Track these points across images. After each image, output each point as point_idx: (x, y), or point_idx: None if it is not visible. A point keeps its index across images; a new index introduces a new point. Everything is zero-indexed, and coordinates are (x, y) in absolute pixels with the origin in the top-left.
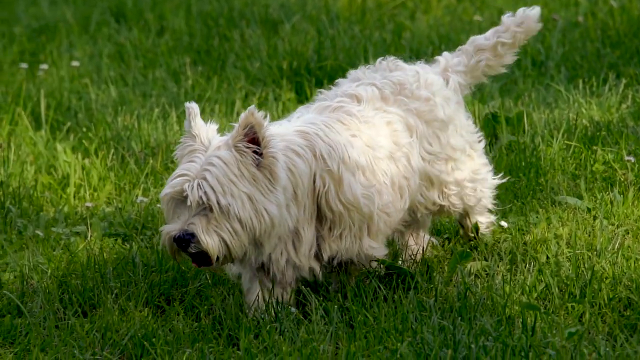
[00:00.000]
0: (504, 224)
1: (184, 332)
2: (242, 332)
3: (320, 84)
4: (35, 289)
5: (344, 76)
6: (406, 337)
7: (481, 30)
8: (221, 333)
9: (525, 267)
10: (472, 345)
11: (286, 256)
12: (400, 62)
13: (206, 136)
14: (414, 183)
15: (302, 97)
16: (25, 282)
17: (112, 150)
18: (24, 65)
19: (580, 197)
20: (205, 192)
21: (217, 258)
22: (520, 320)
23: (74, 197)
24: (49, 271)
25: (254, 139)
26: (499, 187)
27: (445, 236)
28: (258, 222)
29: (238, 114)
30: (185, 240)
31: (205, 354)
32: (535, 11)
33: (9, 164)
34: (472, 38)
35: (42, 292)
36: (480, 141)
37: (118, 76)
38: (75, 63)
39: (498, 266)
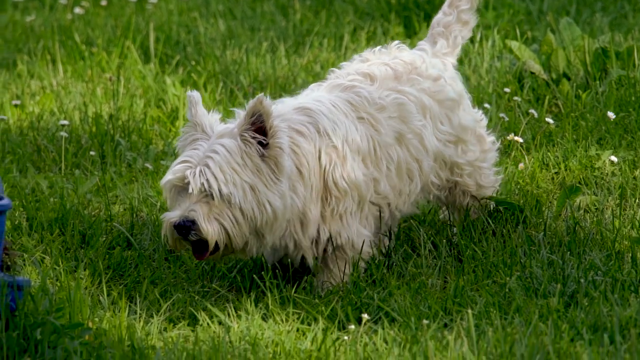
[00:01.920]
0: (613, 158)
1: (292, 266)
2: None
3: (428, 18)
4: (145, 222)
5: None
6: (515, 272)
7: None
8: None
9: (635, 201)
10: (582, 280)
11: (294, 239)
12: (404, 46)
13: (209, 125)
14: (427, 165)
15: (411, 32)
16: (134, 215)
17: (221, 84)
18: None
19: None
20: (207, 180)
21: (217, 247)
22: (630, 255)
23: None
24: (158, 204)
25: (260, 128)
26: (609, 122)
27: (554, 171)
28: (260, 213)
29: (347, 49)
30: (185, 227)
31: (314, 287)
32: None
33: (118, 97)
34: (434, 20)
35: (152, 224)
36: (482, 119)
37: (226, 10)
38: None
39: (607, 201)
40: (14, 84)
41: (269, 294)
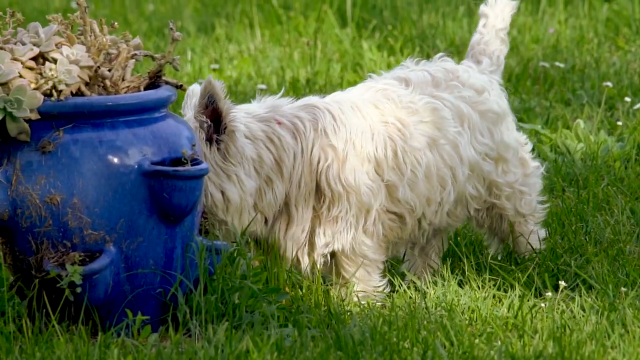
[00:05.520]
0: None
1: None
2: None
3: None
4: None
5: None
6: None
7: None
8: None
9: None
10: None
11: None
12: (448, 59)
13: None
14: (462, 174)
15: None
16: None
17: (417, 49)
18: None
19: None
20: None
21: None
22: None
23: None
24: None
25: (215, 110)
26: None
27: None
28: (213, 203)
29: (544, 13)
30: None
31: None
32: None
33: (315, 61)
34: (473, 41)
35: None
36: (527, 143)
37: None
38: None
39: None
40: (212, 48)
41: (465, 260)
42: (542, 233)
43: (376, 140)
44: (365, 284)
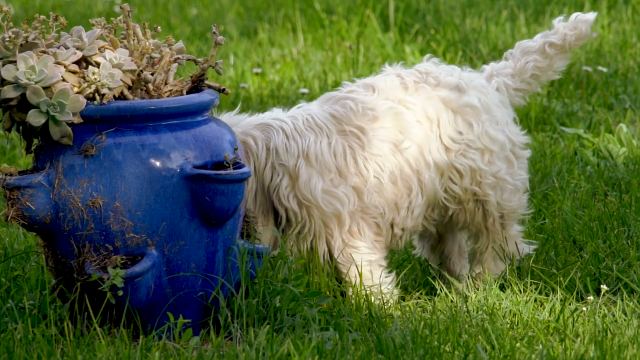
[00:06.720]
0: None
1: None
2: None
3: None
4: None
5: None
6: None
7: None
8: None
9: None
10: None
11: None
12: (435, 60)
13: None
14: (428, 177)
15: None
16: None
17: (460, 53)
18: None
19: None
20: None
21: None
22: None
23: None
24: None
25: None
26: None
27: None
28: None
29: None
30: None
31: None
32: (590, 16)
33: (357, 65)
34: (518, 43)
35: None
36: (524, 149)
37: None
38: None
39: None
40: (255, 52)
41: (506, 264)
42: (519, 229)
43: (334, 149)
44: (371, 283)
